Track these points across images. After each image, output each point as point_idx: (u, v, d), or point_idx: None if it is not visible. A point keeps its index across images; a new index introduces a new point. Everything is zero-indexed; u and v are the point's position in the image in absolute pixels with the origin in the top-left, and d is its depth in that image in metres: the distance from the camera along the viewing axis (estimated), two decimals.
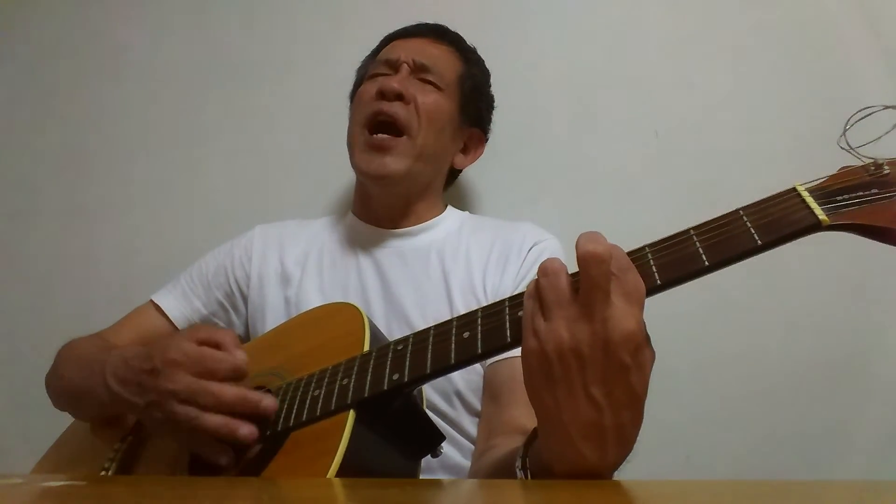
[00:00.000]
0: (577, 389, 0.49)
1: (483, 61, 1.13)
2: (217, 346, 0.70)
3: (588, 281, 0.49)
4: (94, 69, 1.44)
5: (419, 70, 1.02)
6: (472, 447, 0.90)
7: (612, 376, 0.49)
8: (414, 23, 1.12)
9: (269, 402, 0.67)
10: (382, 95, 0.97)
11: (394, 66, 1.02)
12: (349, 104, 1.08)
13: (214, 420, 0.65)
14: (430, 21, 1.12)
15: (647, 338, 0.51)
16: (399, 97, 0.97)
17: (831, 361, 1.09)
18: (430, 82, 1.01)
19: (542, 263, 0.53)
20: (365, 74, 1.07)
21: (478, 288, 0.95)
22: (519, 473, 0.57)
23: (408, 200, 1.03)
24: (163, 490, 0.58)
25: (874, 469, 1.04)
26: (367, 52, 1.13)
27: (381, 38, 1.13)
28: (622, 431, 0.50)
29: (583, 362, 0.49)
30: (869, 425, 1.07)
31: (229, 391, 0.66)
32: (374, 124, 0.97)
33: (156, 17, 1.44)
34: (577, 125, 1.25)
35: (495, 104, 1.16)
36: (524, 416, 0.80)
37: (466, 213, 1.11)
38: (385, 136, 0.96)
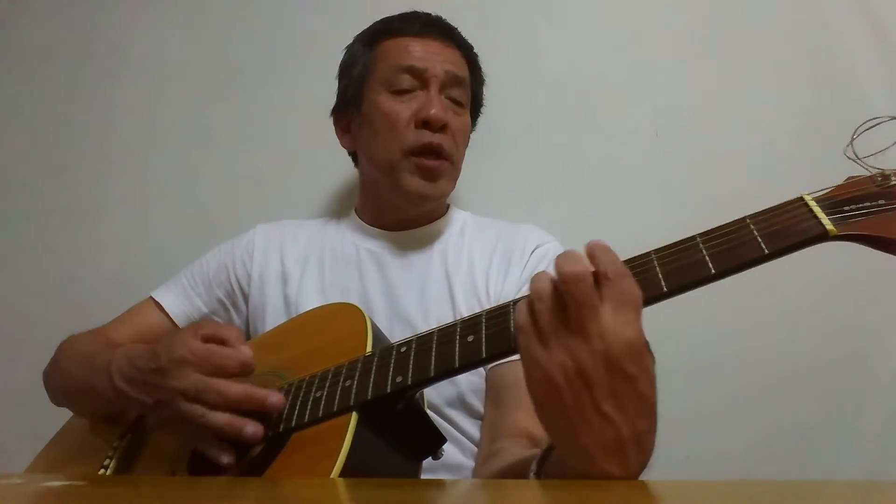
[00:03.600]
0: (588, 411, 0.49)
1: (477, 56, 1.09)
2: (222, 342, 0.71)
3: (573, 301, 0.49)
4: (95, 69, 1.44)
5: (449, 85, 0.98)
6: (474, 447, 0.91)
7: (620, 390, 0.48)
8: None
9: (275, 398, 0.66)
10: (427, 125, 0.94)
11: (421, 79, 0.96)
12: (346, 97, 1.04)
13: (220, 418, 0.66)
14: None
15: (646, 342, 0.51)
16: (442, 128, 0.95)
17: (831, 361, 1.09)
18: (456, 101, 1.00)
19: (532, 286, 0.52)
20: (368, 76, 1.00)
21: (480, 290, 0.95)
22: None
23: (426, 210, 1.03)
24: (164, 490, 0.58)
25: (874, 469, 1.04)
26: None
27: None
28: (641, 440, 0.50)
29: (589, 383, 0.48)
30: (869, 425, 1.07)
31: (235, 388, 0.66)
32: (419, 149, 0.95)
33: (156, 16, 1.43)
34: (577, 125, 1.24)
35: (498, 102, 1.15)
36: (528, 419, 0.80)
37: (468, 213, 1.10)
38: (436, 161, 0.95)
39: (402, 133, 0.95)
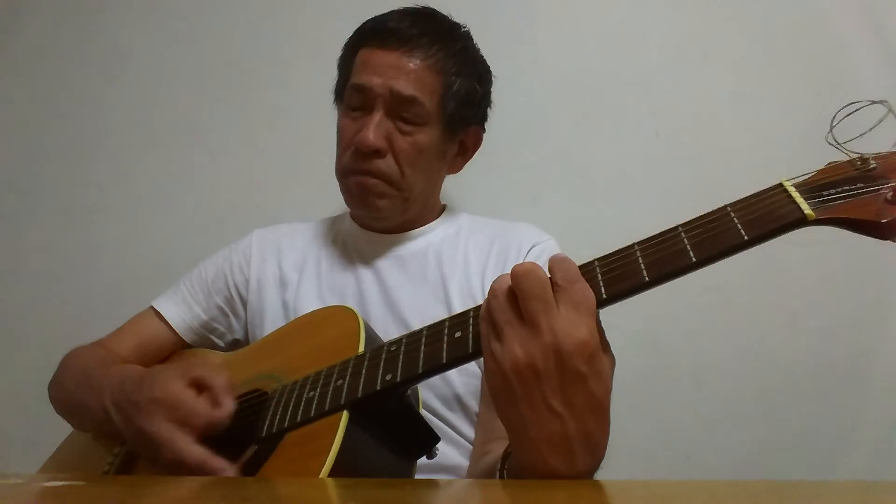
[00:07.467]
0: (537, 404, 0.50)
1: (468, 52, 1.00)
2: (208, 389, 0.69)
3: (521, 294, 0.51)
4: (95, 70, 1.44)
5: (397, 105, 0.91)
6: (472, 448, 0.90)
7: (569, 385, 0.50)
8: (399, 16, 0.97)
9: (231, 474, 0.65)
10: (357, 151, 0.91)
11: (367, 97, 0.91)
12: (335, 101, 1.03)
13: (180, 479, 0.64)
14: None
15: (606, 345, 0.52)
16: (376, 153, 0.91)
17: (831, 361, 1.09)
18: (407, 120, 0.92)
19: (492, 284, 0.54)
20: (345, 83, 0.97)
21: (476, 290, 0.95)
22: None
23: (403, 218, 1.01)
24: (161, 490, 0.58)
25: (874, 469, 1.04)
26: None
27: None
28: (589, 439, 0.51)
29: (538, 376, 0.50)
30: (869, 425, 1.07)
31: (192, 455, 0.65)
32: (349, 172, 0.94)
33: (156, 17, 1.44)
34: (577, 125, 1.25)
35: (496, 103, 1.09)
36: None
37: (464, 213, 1.10)
38: (361, 178, 0.92)
39: (343, 152, 0.96)
